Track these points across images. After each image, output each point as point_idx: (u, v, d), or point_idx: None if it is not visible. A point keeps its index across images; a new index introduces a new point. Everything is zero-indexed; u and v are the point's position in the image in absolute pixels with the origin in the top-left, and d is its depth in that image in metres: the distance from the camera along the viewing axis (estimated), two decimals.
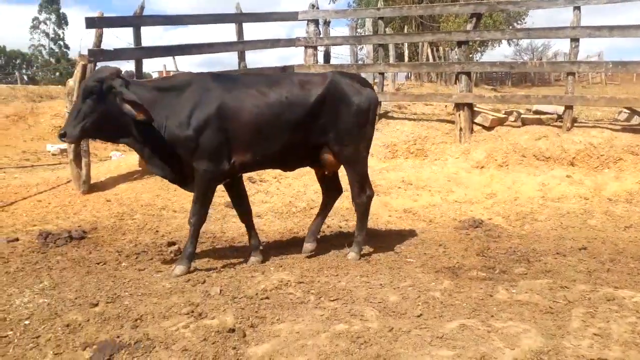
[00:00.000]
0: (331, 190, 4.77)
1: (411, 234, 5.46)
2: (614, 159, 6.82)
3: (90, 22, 6.88)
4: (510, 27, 24.26)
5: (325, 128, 4.22)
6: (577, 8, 7.09)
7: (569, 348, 2.52)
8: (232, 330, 2.78)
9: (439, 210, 6.28)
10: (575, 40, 7.23)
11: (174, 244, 4.94)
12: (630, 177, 6.55)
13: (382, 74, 8.77)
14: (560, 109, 7.70)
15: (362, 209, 4.58)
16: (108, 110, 3.74)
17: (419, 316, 3.04)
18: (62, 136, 3.79)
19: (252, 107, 4.00)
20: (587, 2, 7.02)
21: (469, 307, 3.14)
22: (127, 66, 7.94)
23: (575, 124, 7.67)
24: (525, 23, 32.58)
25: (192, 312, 3.08)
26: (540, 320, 2.89)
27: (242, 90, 4.07)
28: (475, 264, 4.29)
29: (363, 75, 10.83)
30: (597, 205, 6.01)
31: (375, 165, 8.04)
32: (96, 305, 3.22)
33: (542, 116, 7.94)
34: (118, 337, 2.75)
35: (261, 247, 4.53)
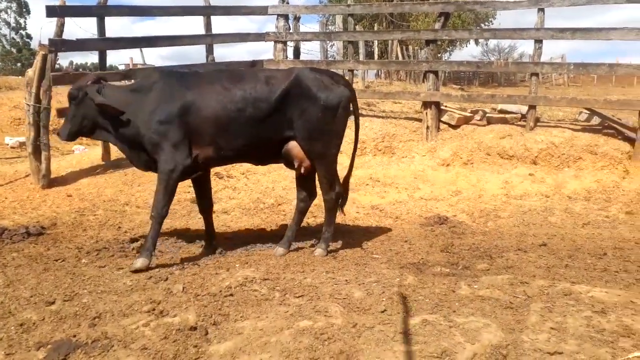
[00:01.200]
0: (303, 193, 4.70)
1: (378, 230, 5.49)
2: (574, 158, 7.02)
3: (51, 11, 6.65)
4: (478, 28, 24.69)
5: (290, 123, 4.23)
6: (541, 10, 7.26)
7: (527, 342, 2.57)
8: (194, 328, 2.73)
9: (406, 207, 6.34)
10: (539, 41, 7.40)
11: (136, 240, 4.83)
12: (589, 176, 6.77)
13: (351, 71, 8.79)
14: (524, 109, 7.88)
15: (330, 206, 4.59)
16: (86, 113, 4.18)
17: (383, 312, 3.05)
18: (58, 135, 4.42)
19: (215, 103, 4.07)
20: (551, 4, 7.19)
21: (432, 302, 3.17)
22: (90, 57, 7.71)
23: (538, 124, 7.86)
24: (492, 24, 33.27)
25: (154, 310, 3.01)
26: (501, 315, 2.95)
27: (205, 87, 4.15)
28: (439, 260, 4.34)
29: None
30: (558, 202, 6.19)
31: (344, 161, 8.01)
32: (52, 303, 3.11)
33: (507, 115, 8.12)
34: (74, 336, 2.66)
35: (214, 242, 4.64)
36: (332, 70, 9.86)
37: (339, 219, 5.90)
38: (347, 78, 8.68)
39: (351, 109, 4.55)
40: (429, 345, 2.50)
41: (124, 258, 4.36)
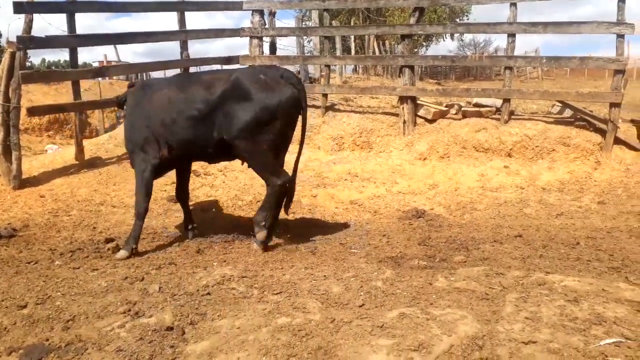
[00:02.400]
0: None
1: (356, 225, 5.51)
2: (547, 150, 7.14)
3: (19, 7, 6.48)
4: (452, 22, 24.91)
5: (223, 123, 4.37)
6: (514, 4, 7.34)
7: (502, 332, 2.61)
8: (170, 328, 2.70)
9: (384, 201, 6.38)
10: (512, 35, 7.49)
11: (112, 240, 4.75)
12: (562, 167, 6.89)
13: (327, 66, 8.77)
14: (498, 102, 7.97)
15: (271, 192, 4.56)
16: None
17: (361, 306, 3.06)
18: None
19: (163, 108, 4.48)
20: None
21: (410, 295, 3.19)
22: (62, 55, 7.53)
23: (513, 117, 7.97)
24: (468, 19, 33.62)
25: (129, 310, 2.97)
26: (477, 307, 2.98)
27: (158, 93, 4.58)
28: (417, 253, 4.38)
29: (310, 67, 10.86)
30: (532, 194, 6.29)
31: (323, 157, 8.06)
32: (24, 307, 3.04)
33: (482, 109, 8.21)
34: (47, 340, 2.60)
35: (194, 225, 5.08)
36: (308, 66, 9.85)
37: (318, 214, 5.93)
38: (323, 73, 8.70)
39: (303, 105, 4.60)
40: (406, 338, 2.52)
41: (99, 259, 4.29)
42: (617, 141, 7.11)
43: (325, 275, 3.64)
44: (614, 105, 7.03)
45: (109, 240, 4.75)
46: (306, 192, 6.57)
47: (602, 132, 7.20)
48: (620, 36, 6.90)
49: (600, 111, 8.25)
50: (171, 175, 7.29)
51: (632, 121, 7.84)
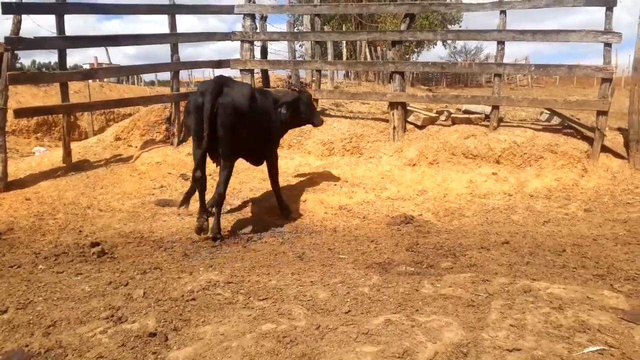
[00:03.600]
0: None
1: (345, 230, 5.50)
2: (535, 157, 7.18)
3: (8, 8, 6.43)
4: (443, 29, 25.07)
5: None
6: (503, 12, 7.40)
7: (487, 340, 2.61)
8: (153, 335, 2.67)
9: (373, 207, 6.37)
10: (501, 43, 7.54)
11: (97, 244, 4.70)
12: (550, 175, 6.93)
13: (319, 71, 8.78)
14: (488, 109, 8.02)
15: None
16: None
17: (347, 312, 3.06)
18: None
19: None
20: (512, 7, 7.34)
21: (396, 302, 3.19)
22: (54, 56, 7.48)
23: (502, 124, 8.02)
24: (460, 26, 33.88)
25: (112, 316, 2.94)
26: (462, 314, 2.98)
27: None
28: (404, 259, 4.37)
29: (302, 72, 10.86)
30: (520, 201, 6.32)
31: (313, 162, 8.06)
32: (5, 312, 3.00)
33: (471, 116, 8.25)
34: (27, 345, 2.56)
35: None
36: (300, 70, 9.85)
37: (307, 219, 5.92)
38: (314, 78, 8.69)
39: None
40: (391, 345, 2.51)
41: (83, 263, 4.24)
42: (604, 149, 7.17)
43: (312, 281, 3.63)
44: (601, 113, 7.09)
45: (94, 245, 4.70)
46: (296, 197, 6.55)
47: (590, 140, 7.26)
48: (608, 45, 6.97)
49: (587, 119, 8.32)
50: (158, 179, 7.28)
51: (619, 129, 7.93)
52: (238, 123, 4.97)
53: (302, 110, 6.16)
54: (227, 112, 4.87)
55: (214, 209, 5.20)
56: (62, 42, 7.08)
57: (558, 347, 2.53)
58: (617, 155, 7.14)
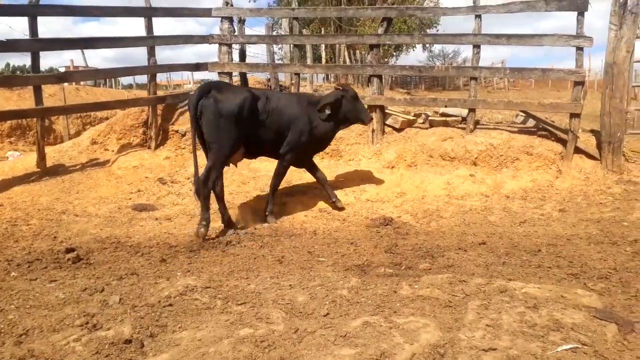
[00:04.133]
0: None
1: (325, 233, 5.50)
2: (511, 159, 7.30)
3: None
4: (420, 33, 25.32)
5: None
6: (478, 16, 7.51)
7: (463, 340, 2.64)
8: (129, 341, 2.63)
9: (352, 209, 6.39)
10: (477, 46, 7.65)
11: (72, 250, 4.61)
12: (525, 176, 7.05)
13: (297, 74, 8.78)
14: (464, 112, 8.12)
15: None
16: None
17: (325, 315, 3.06)
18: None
19: None
20: (487, 11, 7.45)
21: (374, 304, 3.20)
22: (26, 59, 7.33)
23: (478, 126, 8.13)
24: (437, 30, 34.27)
25: (87, 323, 2.88)
26: (440, 314, 3.01)
27: None
28: (383, 260, 4.40)
29: (281, 75, 10.86)
30: (497, 202, 6.41)
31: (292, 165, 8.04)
32: None
33: (448, 118, 8.34)
34: None
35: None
36: (278, 73, 9.83)
37: (287, 222, 5.90)
38: (293, 81, 8.70)
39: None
40: (368, 347, 2.51)
41: (58, 270, 4.16)
42: (578, 150, 7.32)
43: (291, 285, 3.62)
44: (574, 115, 7.25)
45: (69, 250, 4.61)
46: (275, 200, 6.52)
47: (563, 142, 7.40)
48: (580, 49, 7.13)
49: (562, 121, 8.50)
50: (136, 183, 7.18)
51: (592, 131, 8.11)
52: (223, 124, 5.19)
53: (348, 109, 6.14)
54: (208, 113, 5.17)
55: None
56: (35, 44, 6.95)
57: (533, 346, 2.57)
58: (590, 156, 7.29)
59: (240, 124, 5.30)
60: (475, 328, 2.78)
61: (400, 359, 2.44)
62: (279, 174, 6.13)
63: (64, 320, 2.94)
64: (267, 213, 5.95)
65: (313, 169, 6.46)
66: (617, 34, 6.88)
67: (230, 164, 5.81)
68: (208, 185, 5.28)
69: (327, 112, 5.96)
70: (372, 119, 6.55)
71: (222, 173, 5.63)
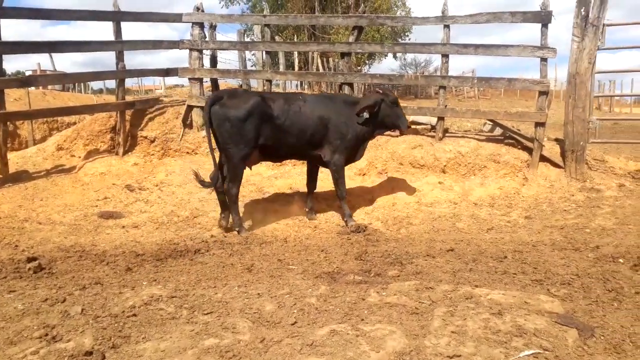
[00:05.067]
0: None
1: (296, 240, 5.49)
2: (479, 167, 7.43)
3: None
4: (390, 42, 25.65)
5: None
6: (447, 27, 7.65)
7: (429, 347, 2.66)
8: (90, 353, 2.56)
9: (324, 217, 6.40)
10: (445, 56, 7.79)
11: (34, 259, 4.48)
12: (493, 183, 7.19)
13: (269, 81, 8.77)
14: (434, 120, 8.24)
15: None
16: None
17: (293, 324, 3.04)
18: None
19: None
20: (455, 21, 7.60)
21: (342, 311, 3.20)
22: None
23: (447, 134, 8.26)
24: (409, 39, 34.78)
25: (46, 335, 2.80)
26: (406, 322, 3.03)
27: None
28: (353, 268, 4.40)
29: (253, 82, 10.83)
30: (465, 209, 6.51)
31: (264, 172, 8.00)
32: None
33: (418, 126, 8.46)
34: None
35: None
36: (250, 80, 9.80)
37: (258, 230, 5.87)
38: (265, 88, 8.69)
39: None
40: (334, 356, 2.51)
41: (18, 280, 4.03)
42: (543, 159, 7.51)
43: (259, 293, 3.59)
44: (539, 124, 7.43)
45: (31, 260, 4.47)
46: (245, 207, 6.48)
47: (529, 150, 7.58)
48: (544, 59, 7.33)
49: (528, 130, 8.70)
50: (102, 190, 7.03)
51: (557, 140, 8.33)
52: (232, 129, 5.39)
53: (386, 114, 6.01)
54: (217, 119, 5.43)
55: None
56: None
57: (496, 352, 2.61)
58: (555, 164, 7.49)
59: (250, 128, 5.42)
60: (440, 335, 2.81)
61: None
62: (336, 181, 6.09)
63: (22, 332, 2.84)
64: (345, 219, 6.05)
65: (314, 176, 6.45)
66: (580, 46, 7.10)
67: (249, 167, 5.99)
68: (231, 191, 5.59)
69: (365, 115, 5.88)
70: (409, 126, 6.39)
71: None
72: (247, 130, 5.43)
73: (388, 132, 7.01)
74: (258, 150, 5.66)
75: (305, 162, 6.50)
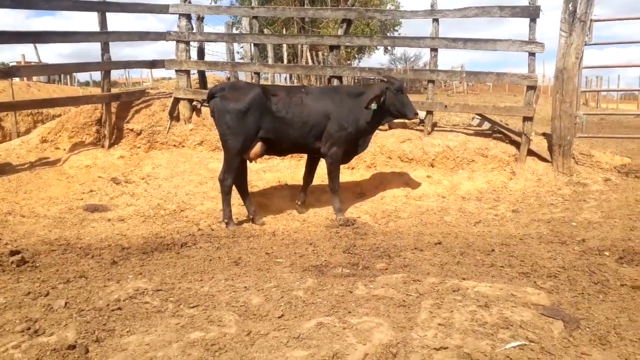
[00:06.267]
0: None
1: (284, 233, 5.47)
2: (467, 161, 7.46)
3: None
4: (379, 36, 25.59)
5: None
6: (436, 20, 7.63)
7: (416, 339, 2.65)
8: (73, 347, 2.52)
9: (313, 210, 6.38)
10: (434, 50, 7.78)
11: (17, 252, 4.40)
12: (481, 177, 7.22)
13: (257, 73, 8.70)
14: (422, 114, 8.24)
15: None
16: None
17: (280, 317, 3.02)
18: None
19: None
20: (444, 16, 7.59)
21: (329, 304, 3.19)
22: None
23: (436, 129, 8.27)
24: (399, 33, 34.78)
25: (28, 329, 2.75)
26: (393, 314, 3.02)
27: None
28: (341, 261, 4.39)
29: (241, 74, 10.75)
30: (453, 202, 6.53)
31: (253, 166, 7.95)
32: None
33: (407, 120, 8.43)
34: None
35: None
36: (238, 72, 9.74)
37: (246, 223, 5.83)
38: (253, 81, 8.62)
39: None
40: (321, 348, 2.49)
41: (0, 273, 3.95)
42: (531, 153, 7.55)
43: (246, 287, 3.57)
44: (527, 119, 7.47)
45: (14, 253, 4.39)
46: (234, 200, 6.43)
47: (517, 144, 7.62)
48: (532, 54, 7.35)
49: (516, 124, 8.74)
50: (88, 183, 6.94)
51: (544, 134, 8.39)
52: (230, 121, 5.40)
53: (391, 102, 5.85)
54: (216, 111, 5.48)
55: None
56: None
57: (482, 344, 2.61)
58: (542, 158, 7.53)
59: (249, 121, 5.41)
60: (427, 327, 2.81)
61: None
62: (331, 173, 6.02)
63: (4, 326, 2.79)
64: (335, 212, 6.00)
65: (313, 169, 6.38)
66: (567, 41, 7.14)
67: (253, 160, 5.98)
68: (225, 182, 5.57)
69: (374, 106, 5.72)
70: (417, 113, 6.14)
71: (246, 169, 5.92)
72: (246, 123, 5.41)
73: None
74: (262, 143, 5.61)
75: (305, 154, 6.46)
